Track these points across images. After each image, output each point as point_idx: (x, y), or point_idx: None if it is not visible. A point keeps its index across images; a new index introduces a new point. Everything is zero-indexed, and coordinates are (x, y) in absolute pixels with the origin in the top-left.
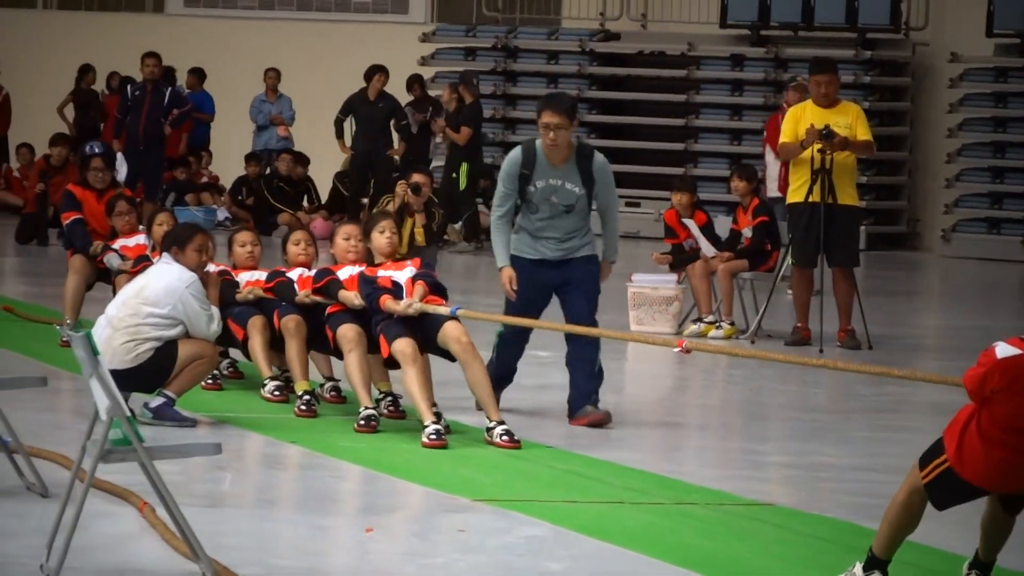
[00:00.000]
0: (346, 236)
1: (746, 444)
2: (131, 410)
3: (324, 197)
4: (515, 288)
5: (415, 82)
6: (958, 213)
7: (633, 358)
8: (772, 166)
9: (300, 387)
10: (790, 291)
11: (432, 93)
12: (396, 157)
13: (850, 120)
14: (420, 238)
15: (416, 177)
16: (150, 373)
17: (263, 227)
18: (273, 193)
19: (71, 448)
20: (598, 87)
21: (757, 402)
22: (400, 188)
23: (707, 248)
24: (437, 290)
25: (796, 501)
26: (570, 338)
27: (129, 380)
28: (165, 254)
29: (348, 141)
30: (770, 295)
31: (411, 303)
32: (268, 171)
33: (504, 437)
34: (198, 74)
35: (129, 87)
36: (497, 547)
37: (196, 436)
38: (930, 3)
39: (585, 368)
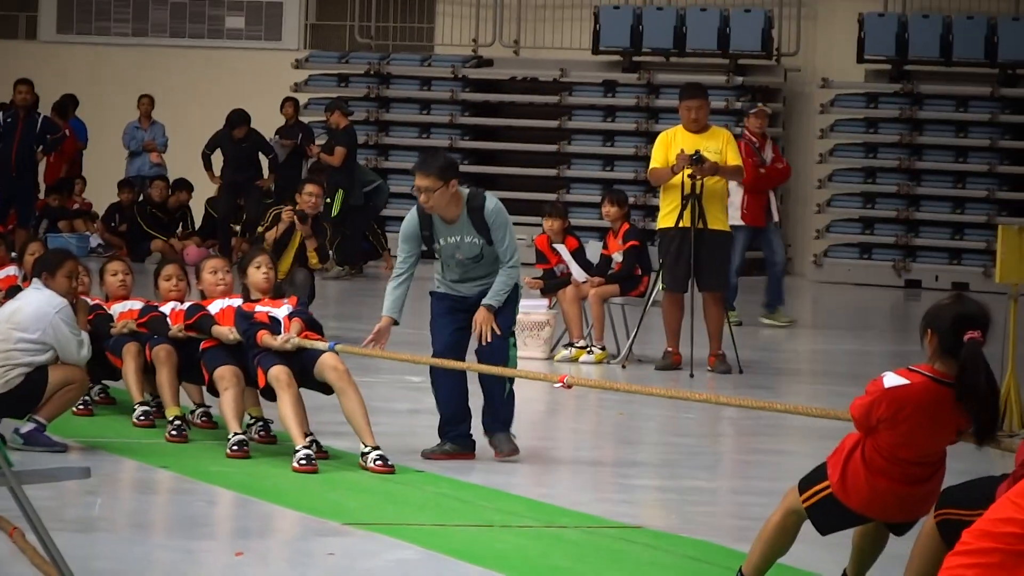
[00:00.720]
0: (212, 270)
1: (618, 468)
2: (0, 435)
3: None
4: (380, 341)
5: (287, 103)
6: (830, 238)
7: None
8: (735, 194)
9: (171, 412)
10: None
11: (304, 119)
12: (266, 187)
13: (720, 145)
14: (314, 260)
15: (310, 187)
16: (20, 398)
17: (136, 254)
18: (146, 220)
19: None
20: (471, 113)
21: (629, 427)
22: (287, 215)
23: (578, 273)
24: (314, 327)
25: (667, 524)
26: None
27: (0, 405)
28: (35, 280)
29: (216, 171)
30: (641, 320)
31: (288, 337)
32: (141, 198)
33: (378, 462)
34: (72, 101)
35: (0, 113)
36: (366, 570)
37: (67, 461)
38: (801, 29)
39: (494, 393)
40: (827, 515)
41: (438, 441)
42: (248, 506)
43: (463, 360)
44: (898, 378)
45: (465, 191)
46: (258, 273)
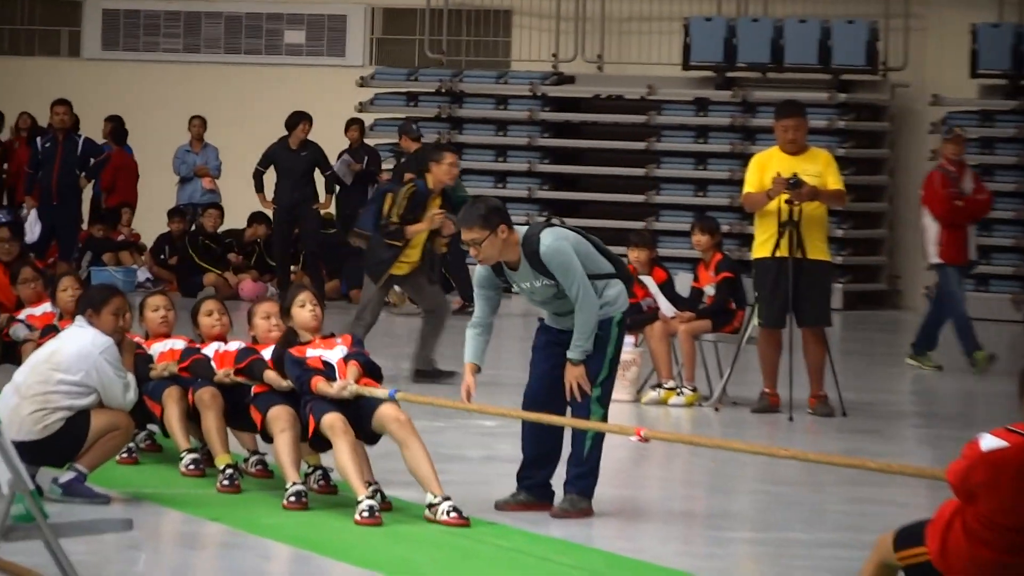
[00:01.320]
0: (265, 315)
1: (709, 519)
2: (37, 485)
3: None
4: (471, 394)
5: (353, 125)
6: None
7: None
8: (931, 229)
9: (221, 460)
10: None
11: (370, 142)
12: (324, 211)
13: (820, 168)
14: (442, 244)
15: (449, 156)
16: (60, 445)
17: (187, 289)
18: (198, 251)
19: None
20: (551, 134)
21: (722, 474)
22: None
23: (666, 308)
24: (372, 371)
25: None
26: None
27: (37, 453)
28: (79, 317)
29: (269, 195)
30: (735, 358)
31: (346, 384)
32: (193, 227)
33: (452, 514)
34: (115, 122)
35: (39, 139)
36: None
37: (108, 513)
38: (910, 42)
39: (574, 447)
40: None
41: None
42: (306, 562)
43: (559, 400)
44: (996, 440)
45: (522, 231)
46: (304, 312)
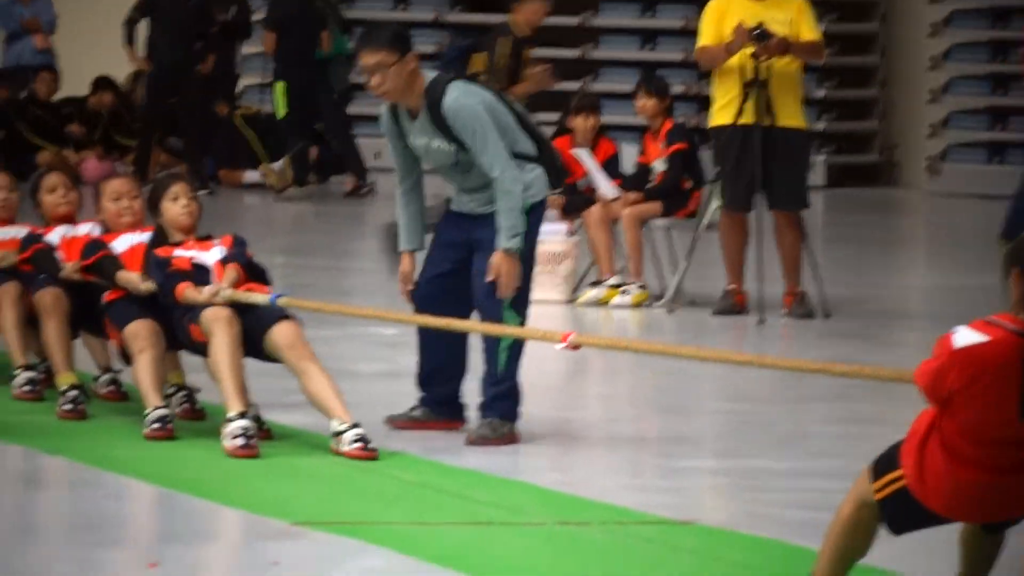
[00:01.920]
0: (115, 195)
1: (661, 445)
2: None
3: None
4: (407, 288)
5: None
6: (948, 136)
7: None
8: None
9: (63, 380)
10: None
11: None
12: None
13: (791, 14)
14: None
15: None
16: None
17: (17, 169)
18: (29, 124)
19: None
20: (463, 6)
21: (674, 390)
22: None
23: (607, 188)
24: (256, 274)
25: (722, 518)
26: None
27: None
28: None
29: (141, 50)
30: (692, 248)
31: (219, 289)
32: (22, 95)
33: (357, 444)
34: None
35: None
36: None
37: None
38: None
39: (488, 364)
40: (902, 513)
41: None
42: (169, 502)
43: (458, 303)
44: (973, 334)
45: (429, 76)
46: (175, 207)
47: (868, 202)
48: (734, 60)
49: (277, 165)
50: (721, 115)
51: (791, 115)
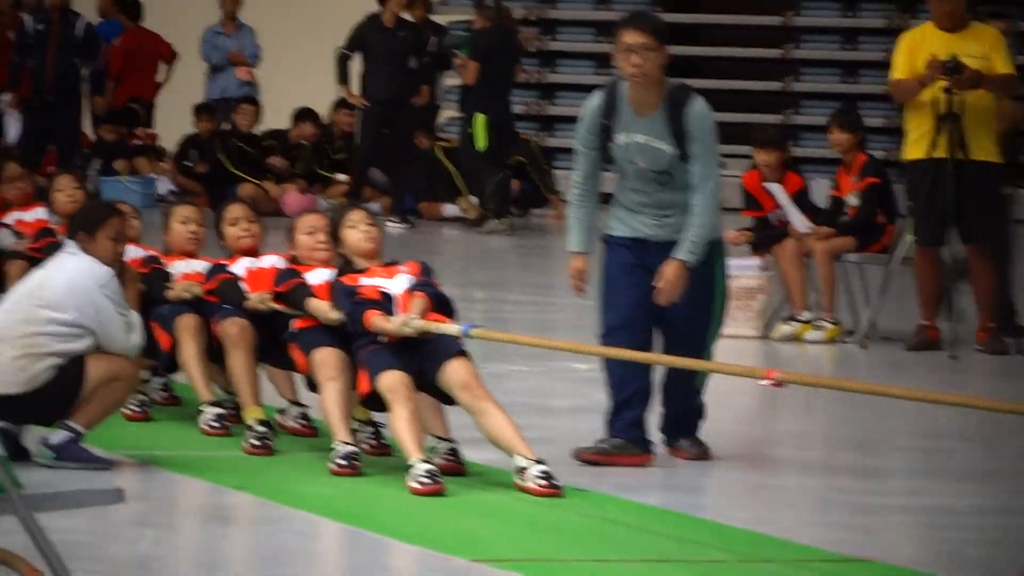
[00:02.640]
0: (310, 229)
1: (847, 482)
2: (24, 448)
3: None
4: (583, 285)
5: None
6: None
7: None
8: None
9: (250, 415)
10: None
11: (438, 19)
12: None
13: (984, 48)
14: None
15: None
16: (50, 399)
17: (219, 201)
18: (232, 157)
19: None
20: (664, 7)
21: (867, 425)
22: None
23: (800, 222)
24: (442, 304)
25: (906, 556)
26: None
27: (22, 408)
28: (70, 242)
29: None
30: (885, 283)
31: (408, 320)
32: (225, 127)
33: (541, 481)
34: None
35: (29, 18)
36: None
37: (106, 481)
38: None
39: (684, 396)
40: None
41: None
42: (353, 539)
43: (645, 335)
44: None
45: (669, 83)
46: (356, 234)
47: None
48: (927, 93)
49: (472, 199)
50: (914, 149)
51: (984, 149)
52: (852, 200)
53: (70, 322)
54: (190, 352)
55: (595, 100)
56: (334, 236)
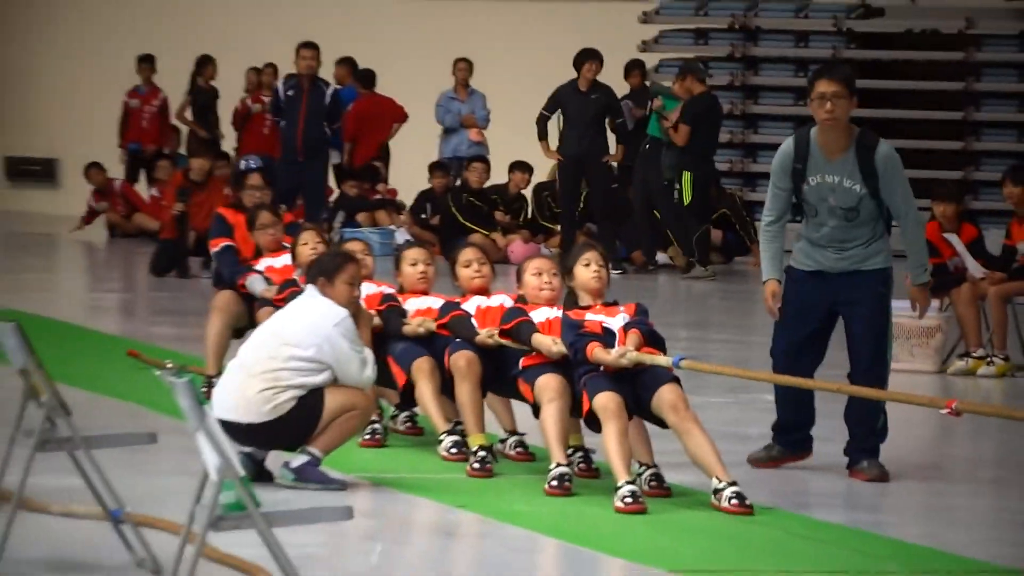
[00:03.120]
0: (537, 271)
1: (1015, 503)
2: (268, 471)
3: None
4: (779, 306)
5: (634, 69)
6: None
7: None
8: None
9: (474, 441)
10: None
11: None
12: (613, 163)
13: None
14: None
15: None
16: (292, 427)
17: (451, 250)
18: (463, 210)
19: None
20: (857, 74)
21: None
22: None
23: (975, 268)
24: (655, 341)
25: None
26: (850, 376)
27: (266, 435)
28: (310, 287)
29: (553, 144)
30: None
31: (625, 351)
32: (457, 183)
33: (734, 501)
34: (348, 64)
35: (282, 85)
36: None
37: (339, 500)
38: None
39: (866, 423)
40: None
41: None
42: (563, 552)
43: (809, 364)
44: None
45: (857, 128)
46: (587, 272)
47: None
48: None
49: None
50: None
51: None
52: (1022, 248)
53: (309, 358)
54: (426, 392)
55: (788, 146)
56: (567, 269)
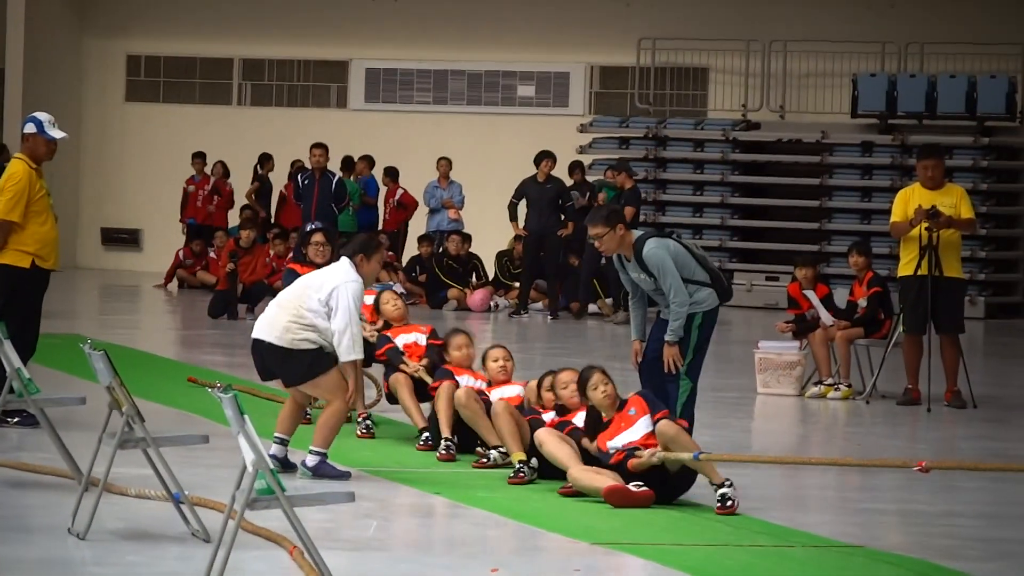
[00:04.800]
0: (495, 359)
1: (850, 493)
2: (291, 462)
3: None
4: (638, 361)
5: (576, 168)
6: None
7: (759, 415)
8: None
9: (515, 458)
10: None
11: (590, 179)
12: (563, 235)
13: (955, 200)
14: None
15: None
16: (296, 367)
17: (434, 302)
18: (443, 271)
19: (228, 497)
20: (740, 172)
21: (867, 455)
22: None
23: (826, 317)
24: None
25: (886, 544)
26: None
27: (277, 361)
28: (346, 259)
29: (520, 223)
30: (883, 359)
31: (655, 452)
32: (440, 250)
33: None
34: (368, 160)
35: (300, 176)
36: None
37: (343, 487)
38: None
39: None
40: None
41: None
42: (521, 531)
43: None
44: None
45: (636, 234)
46: (597, 395)
47: (1014, 330)
48: (915, 231)
49: (608, 300)
50: (905, 268)
51: (953, 268)
52: (862, 303)
53: (323, 300)
54: (405, 395)
55: (613, 256)
56: (583, 392)
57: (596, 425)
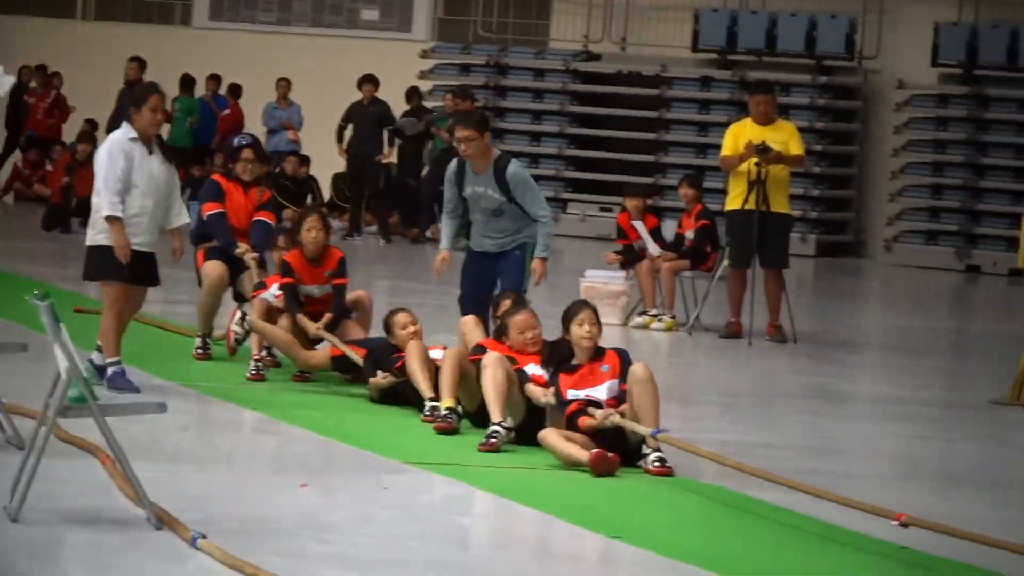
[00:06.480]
0: (522, 329)
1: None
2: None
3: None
4: (440, 271)
5: (413, 94)
6: (900, 225)
7: None
8: None
9: (446, 402)
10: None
11: (428, 105)
12: (386, 161)
13: (785, 137)
14: None
15: None
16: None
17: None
18: (280, 191)
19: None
20: (579, 103)
21: (686, 387)
22: None
23: (653, 249)
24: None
25: (695, 472)
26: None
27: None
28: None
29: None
30: (707, 292)
31: (608, 414)
32: (277, 171)
33: (656, 464)
34: (217, 81)
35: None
36: (416, 503)
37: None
38: (882, 35)
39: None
40: None
41: None
42: (325, 445)
43: (487, 297)
44: None
45: (497, 152)
46: (580, 331)
47: (843, 268)
48: (744, 165)
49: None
50: (733, 202)
51: (780, 204)
52: (690, 235)
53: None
54: (415, 364)
55: (452, 165)
56: (565, 325)
57: (560, 363)
